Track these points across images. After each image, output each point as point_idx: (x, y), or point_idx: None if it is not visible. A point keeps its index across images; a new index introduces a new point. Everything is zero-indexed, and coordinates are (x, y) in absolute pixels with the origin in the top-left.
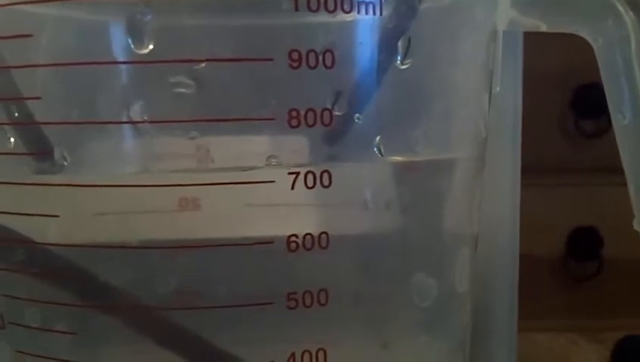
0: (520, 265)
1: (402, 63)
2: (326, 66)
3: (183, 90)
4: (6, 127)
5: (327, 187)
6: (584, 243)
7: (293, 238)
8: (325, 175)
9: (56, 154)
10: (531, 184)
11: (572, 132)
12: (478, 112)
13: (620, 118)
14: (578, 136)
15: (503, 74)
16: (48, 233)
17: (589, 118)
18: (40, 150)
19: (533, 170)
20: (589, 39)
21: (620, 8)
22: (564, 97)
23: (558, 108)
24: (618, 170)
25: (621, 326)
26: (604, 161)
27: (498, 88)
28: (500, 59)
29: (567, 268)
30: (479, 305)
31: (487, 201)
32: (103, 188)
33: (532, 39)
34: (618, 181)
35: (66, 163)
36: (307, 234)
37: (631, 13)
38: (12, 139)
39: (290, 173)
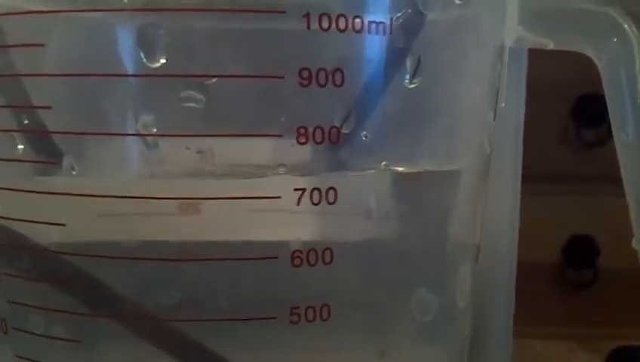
0: (517, 272)
1: (411, 82)
2: (335, 85)
3: (192, 104)
4: (15, 133)
5: (333, 203)
6: (581, 252)
7: (297, 253)
8: (331, 192)
9: (65, 163)
10: (530, 191)
11: (572, 141)
12: (483, 129)
13: (623, 136)
14: (578, 144)
15: (507, 88)
16: (51, 237)
17: (590, 127)
18: (49, 157)
19: (532, 177)
20: (594, 57)
21: (626, 26)
22: (566, 106)
23: (559, 116)
24: (618, 180)
25: (617, 334)
26: (603, 170)
27: (503, 104)
28: (506, 75)
29: (564, 275)
30: (476, 312)
31: (487, 212)
32: (108, 192)
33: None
34: (617, 191)
35: (74, 172)
36: (311, 249)
37: (636, 31)
38: (20, 146)
39: (296, 190)
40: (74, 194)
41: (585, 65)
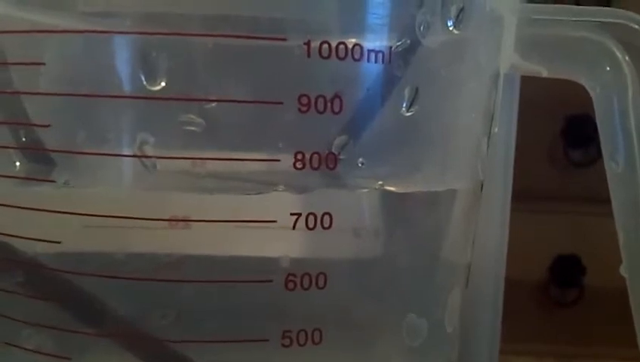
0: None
1: (408, 110)
2: (334, 112)
3: (192, 127)
4: (11, 150)
5: (328, 228)
6: (566, 270)
7: (291, 277)
8: (326, 217)
9: (59, 177)
10: (517, 209)
11: (561, 160)
12: (477, 154)
13: (614, 166)
14: (567, 164)
15: (500, 113)
16: (40, 248)
17: (579, 148)
18: (43, 170)
19: (519, 196)
20: (588, 87)
21: (619, 56)
22: (555, 126)
23: (549, 136)
24: (604, 201)
25: (600, 353)
26: (591, 190)
27: (496, 129)
28: (500, 101)
29: (549, 293)
30: (462, 334)
31: (476, 233)
32: (102, 205)
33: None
34: (603, 211)
35: (68, 185)
36: (305, 273)
37: (629, 60)
38: (17, 163)
39: (292, 214)
40: (66, 212)
41: (576, 84)
